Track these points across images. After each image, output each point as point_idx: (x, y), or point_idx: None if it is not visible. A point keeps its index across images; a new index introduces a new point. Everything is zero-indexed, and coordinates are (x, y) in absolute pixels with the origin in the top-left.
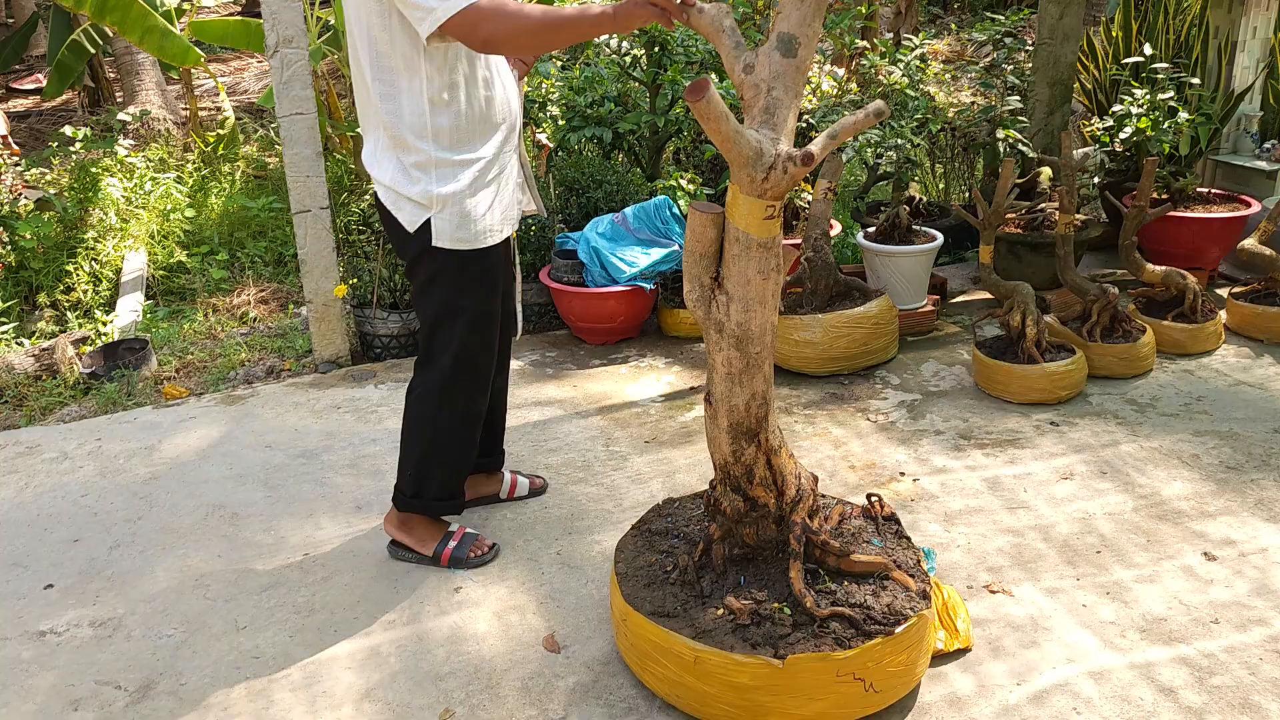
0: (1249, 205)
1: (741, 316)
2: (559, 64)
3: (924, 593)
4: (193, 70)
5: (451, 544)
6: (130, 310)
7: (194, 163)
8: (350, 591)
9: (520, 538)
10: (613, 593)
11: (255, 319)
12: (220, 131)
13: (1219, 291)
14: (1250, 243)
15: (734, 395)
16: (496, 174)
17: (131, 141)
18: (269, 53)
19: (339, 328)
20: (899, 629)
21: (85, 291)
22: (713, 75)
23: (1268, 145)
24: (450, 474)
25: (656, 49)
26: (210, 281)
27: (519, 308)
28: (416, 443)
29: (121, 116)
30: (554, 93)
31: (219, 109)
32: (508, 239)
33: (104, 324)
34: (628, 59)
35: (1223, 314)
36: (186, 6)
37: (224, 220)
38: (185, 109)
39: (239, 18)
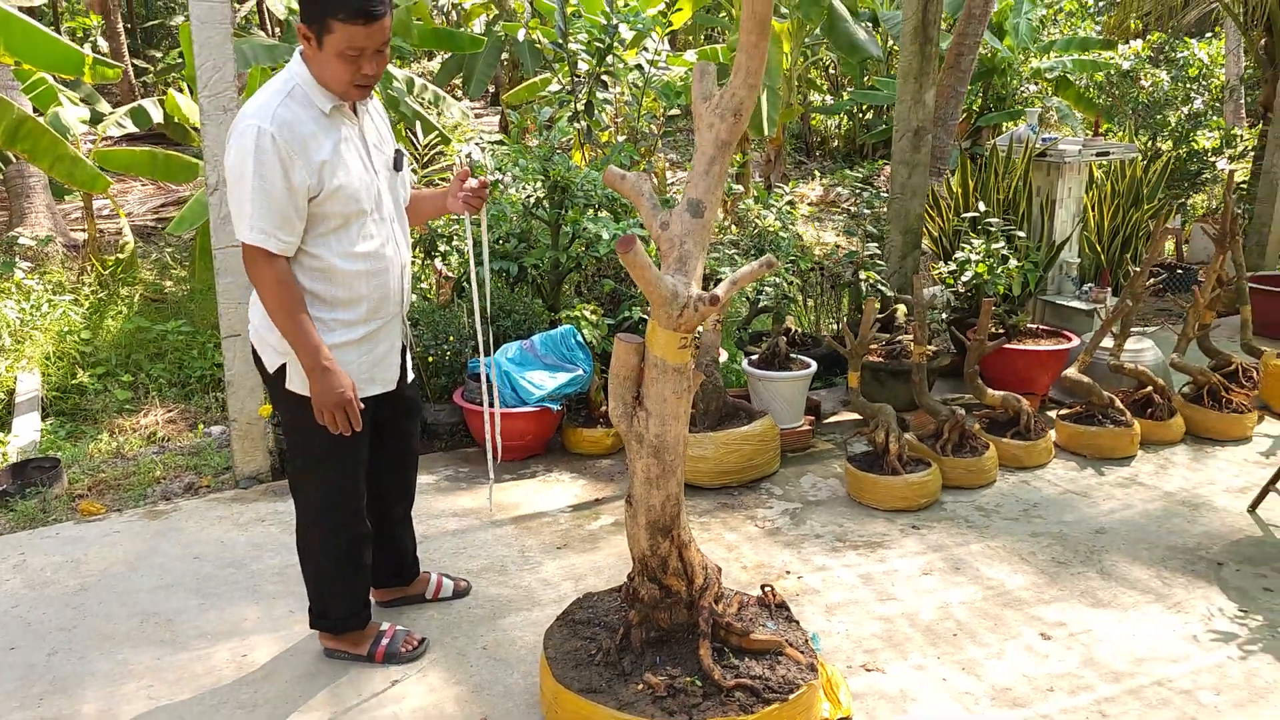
0: (1070, 339)
1: (659, 429)
2: None
3: (812, 666)
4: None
5: (385, 641)
6: (32, 429)
7: (90, 285)
8: (291, 687)
9: (448, 635)
10: (543, 675)
11: (165, 438)
12: (120, 255)
13: (1050, 414)
14: (1071, 372)
15: (651, 496)
16: (359, 337)
17: (28, 264)
18: (209, 191)
19: (261, 445)
20: (792, 696)
21: None
22: (606, 213)
23: (1086, 288)
24: (344, 596)
25: (558, 192)
26: (114, 402)
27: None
28: (307, 571)
29: (23, 240)
30: (458, 227)
31: (119, 233)
32: (397, 391)
33: (3, 444)
34: (531, 200)
35: (1053, 433)
36: (92, 132)
37: (121, 342)
38: (83, 231)
39: (145, 148)
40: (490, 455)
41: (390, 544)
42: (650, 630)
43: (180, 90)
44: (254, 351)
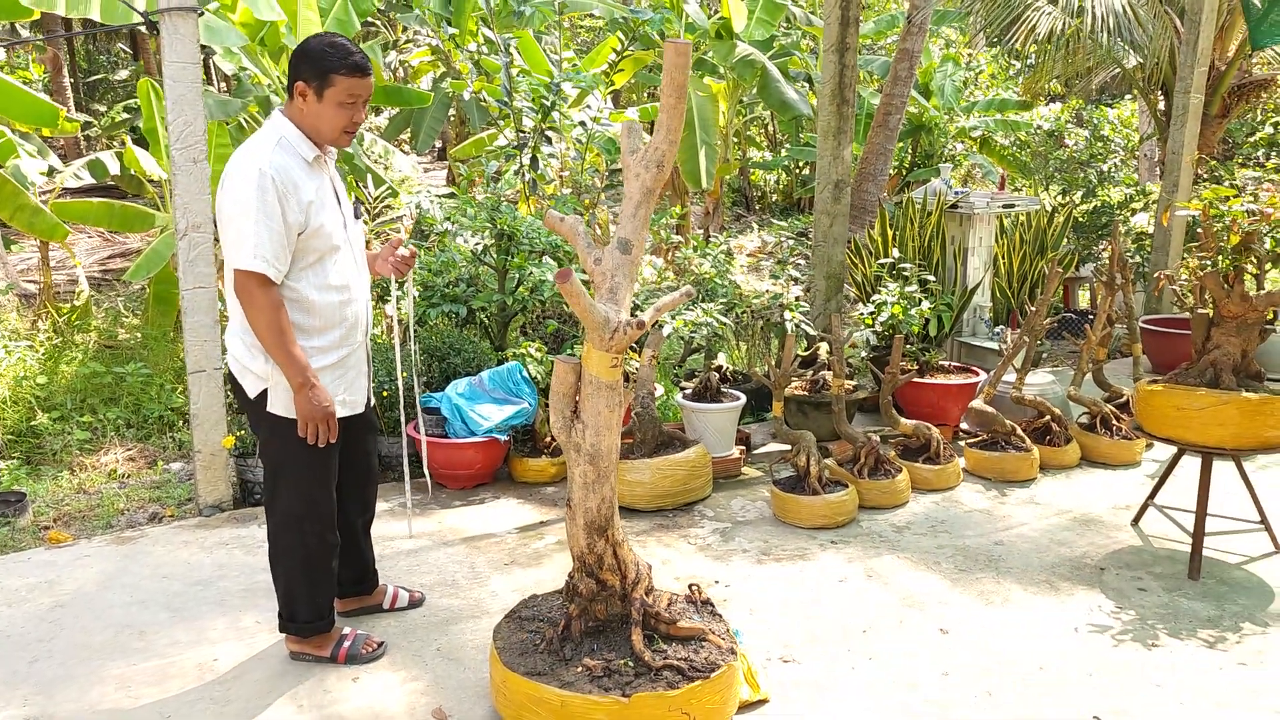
0: (978, 374)
1: (594, 439)
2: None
3: (732, 650)
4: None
5: (346, 644)
6: None
7: (46, 333)
8: (260, 685)
9: (405, 639)
10: (493, 664)
11: (126, 475)
12: (76, 303)
13: (960, 442)
14: (977, 403)
15: (588, 499)
16: (332, 363)
17: None
18: (179, 235)
19: (223, 475)
20: (714, 675)
21: None
22: (553, 260)
23: (998, 330)
24: (312, 601)
25: (505, 240)
26: (74, 442)
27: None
28: (278, 578)
29: None
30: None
31: (73, 282)
32: (361, 414)
33: None
34: (479, 247)
35: (961, 459)
36: (45, 185)
37: (76, 386)
38: (34, 283)
39: (102, 200)
40: (407, 476)
41: (353, 555)
42: (588, 621)
43: (124, 144)
44: (232, 380)
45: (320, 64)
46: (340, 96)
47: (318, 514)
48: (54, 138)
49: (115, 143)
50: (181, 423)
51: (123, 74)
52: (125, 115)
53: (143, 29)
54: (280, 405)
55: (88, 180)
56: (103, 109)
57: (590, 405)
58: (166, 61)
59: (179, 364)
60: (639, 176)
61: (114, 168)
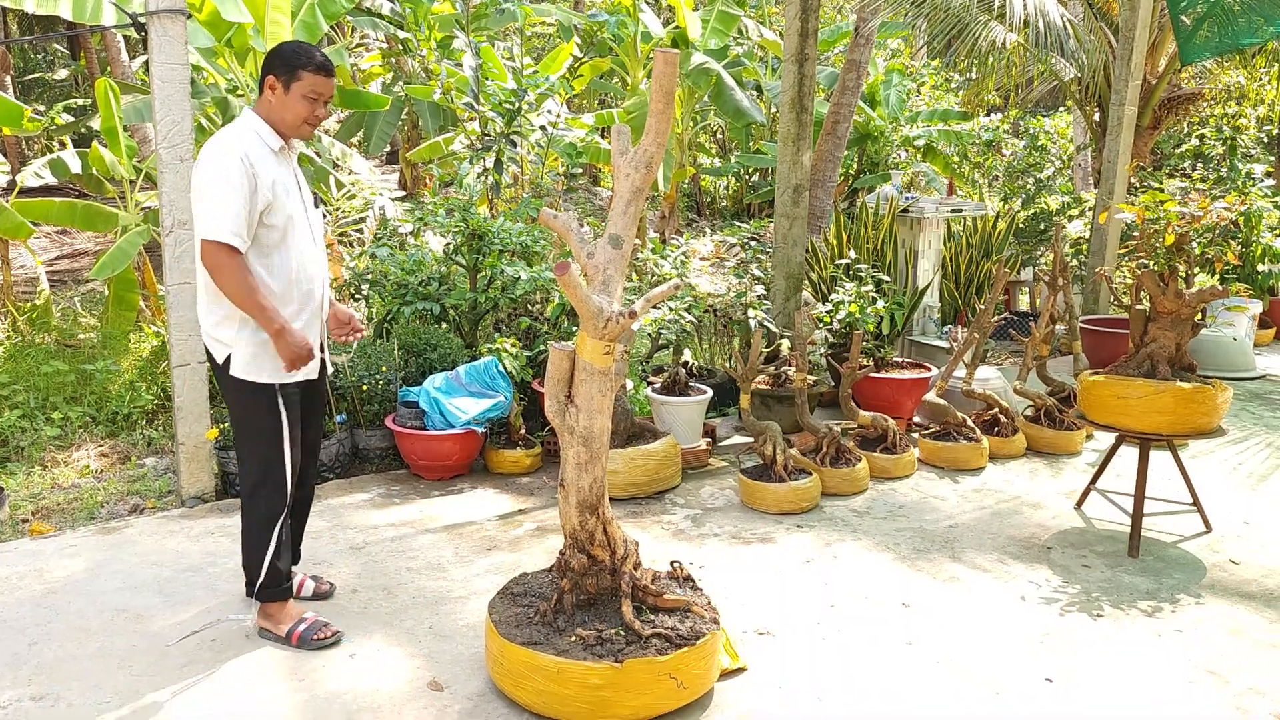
0: (930, 370)
1: (587, 422)
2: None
3: (715, 620)
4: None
5: (301, 627)
6: None
7: (5, 331)
8: (259, 663)
9: (396, 619)
10: (489, 636)
11: (100, 470)
12: (36, 302)
13: (914, 433)
14: (929, 396)
15: (581, 479)
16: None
17: None
18: (165, 233)
19: (206, 467)
20: (699, 641)
21: None
22: (520, 259)
23: (946, 329)
24: (266, 564)
25: (476, 239)
26: (43, 438)
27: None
28: (243, 539)
29: None
30: (387, 272)
31: (34, 281)
32: (313, 382)
33: None
34: (450, 247)
35: (916, 449)
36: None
37: (39, 385)
38: None
39: (64, 199)
40: None
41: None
42: (580, 595)
43: (63, 145)
44: (207, 351)
45: (290, 61)
46: (305, 90)
47: (274, 478)
48: None
49: (55, 144)
50: (147, 420)
51: (62, 73)
52: (68, 117)
53: (131, 31)
54: (240, 368)
55: (49, 179)
56: (41, 108)
57: (584, 390)
58: (155, 62)
59: (141, 363)
60: (629, 176)
61: (75, 166)
